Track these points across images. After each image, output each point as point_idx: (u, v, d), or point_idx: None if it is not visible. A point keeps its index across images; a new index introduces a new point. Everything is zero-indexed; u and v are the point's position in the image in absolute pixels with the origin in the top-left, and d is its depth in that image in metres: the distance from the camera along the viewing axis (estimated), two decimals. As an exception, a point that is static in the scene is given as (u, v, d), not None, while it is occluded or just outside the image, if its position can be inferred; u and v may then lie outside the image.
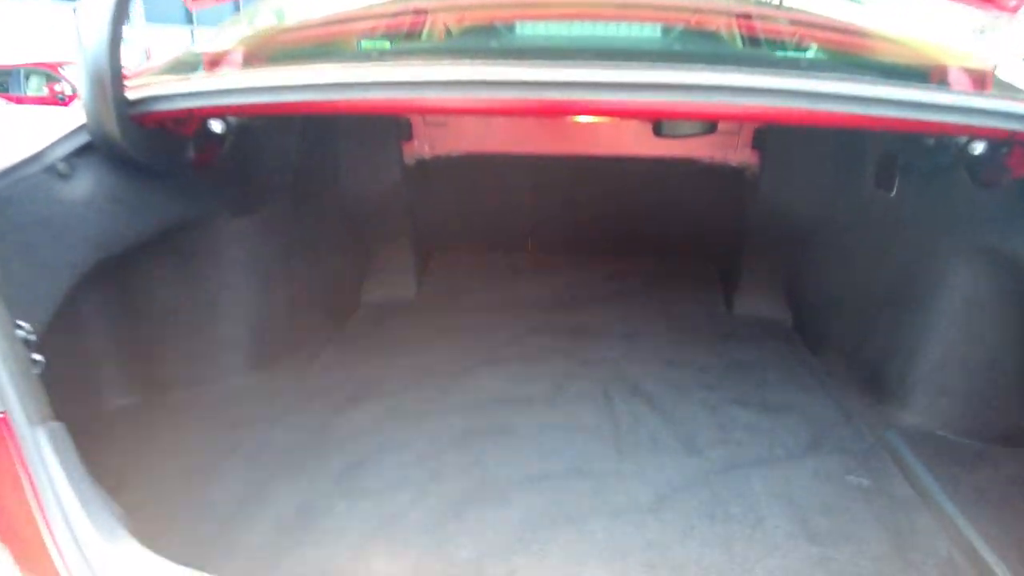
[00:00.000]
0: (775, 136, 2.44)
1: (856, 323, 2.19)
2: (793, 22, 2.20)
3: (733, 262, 2.84)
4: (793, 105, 1.22)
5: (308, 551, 1.41)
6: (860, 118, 1.24)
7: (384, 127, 2.55)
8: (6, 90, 10.48)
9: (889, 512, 1.56)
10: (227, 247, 1.95)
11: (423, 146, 2.64)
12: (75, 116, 1.43)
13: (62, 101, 10.34)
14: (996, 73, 1.63)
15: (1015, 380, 1.73)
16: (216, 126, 1.59)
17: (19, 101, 9.69)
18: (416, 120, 2.57)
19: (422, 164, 2.72)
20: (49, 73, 11.04)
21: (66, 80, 10.69)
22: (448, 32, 2.04)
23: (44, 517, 0.99)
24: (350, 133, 2.52)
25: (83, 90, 1.31)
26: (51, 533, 0.97)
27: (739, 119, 2.25)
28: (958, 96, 1.27)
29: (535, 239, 3.16)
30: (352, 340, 2.42)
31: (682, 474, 1.68)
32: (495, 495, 1.59)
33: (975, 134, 1.43)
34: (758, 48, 2.01)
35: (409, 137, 2.60)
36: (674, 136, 2.38)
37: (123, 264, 1.57)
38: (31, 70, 11.25)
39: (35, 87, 11.02)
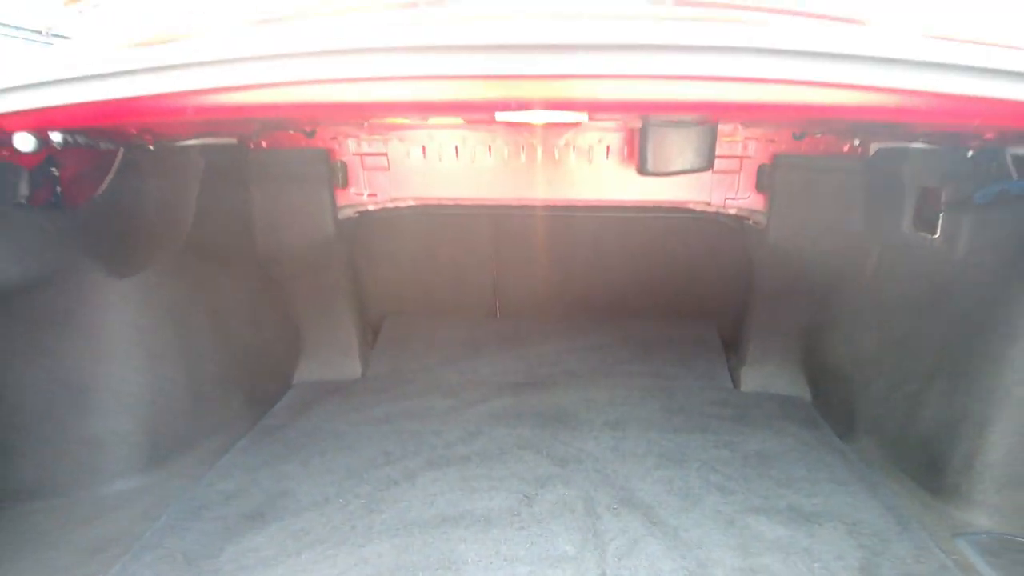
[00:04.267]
0: (785, 171, 2.13)
1: (898, 399, 1.84)
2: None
3: (738, 326, 2.52)
4: (841, 78, 0.82)
5: None
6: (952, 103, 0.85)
7: (313, 168, 2.19)
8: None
9: None
10: (102, 314, 1.65)
11: (361, 193, 2.24)
12: None
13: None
14: None
15: None
16: (23, 143, 1.16)
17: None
18: (352, 163, 2.20)
19: (363, 217, 2.35)
20: None
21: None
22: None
23: None
24: (267, 175, 2.18)
25: None
26: None
27: (753, 112, 1.83)
28: None
29: (501, 303, 2.82)
30: (270, 434, 1.98)
31: None
32: None
33: None
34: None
35: (344, 183, 2.19)
36: (662, 174, 1.99)
37: None
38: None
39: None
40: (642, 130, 1.85)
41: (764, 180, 2.14)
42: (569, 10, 1.12)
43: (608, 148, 2.13)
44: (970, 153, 1.62)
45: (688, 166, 1.88)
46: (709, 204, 2.20)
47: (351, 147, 2.17)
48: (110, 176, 1.56)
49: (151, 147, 1.70)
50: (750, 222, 2.25)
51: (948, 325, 1.71)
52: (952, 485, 1.60)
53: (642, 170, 1.92)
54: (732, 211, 2.24)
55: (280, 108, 1.05)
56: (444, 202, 2.28)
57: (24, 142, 1.17)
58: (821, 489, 1.70)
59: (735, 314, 2.53)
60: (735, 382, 2.40)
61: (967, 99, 0.85)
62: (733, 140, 2.11)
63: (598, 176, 2.18)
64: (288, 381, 2.34)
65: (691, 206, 2.23)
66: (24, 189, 1.29)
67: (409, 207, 2.30)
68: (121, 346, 1.69)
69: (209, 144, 1.89)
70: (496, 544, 1.44)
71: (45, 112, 1.03)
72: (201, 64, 0.87)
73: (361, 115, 1.96)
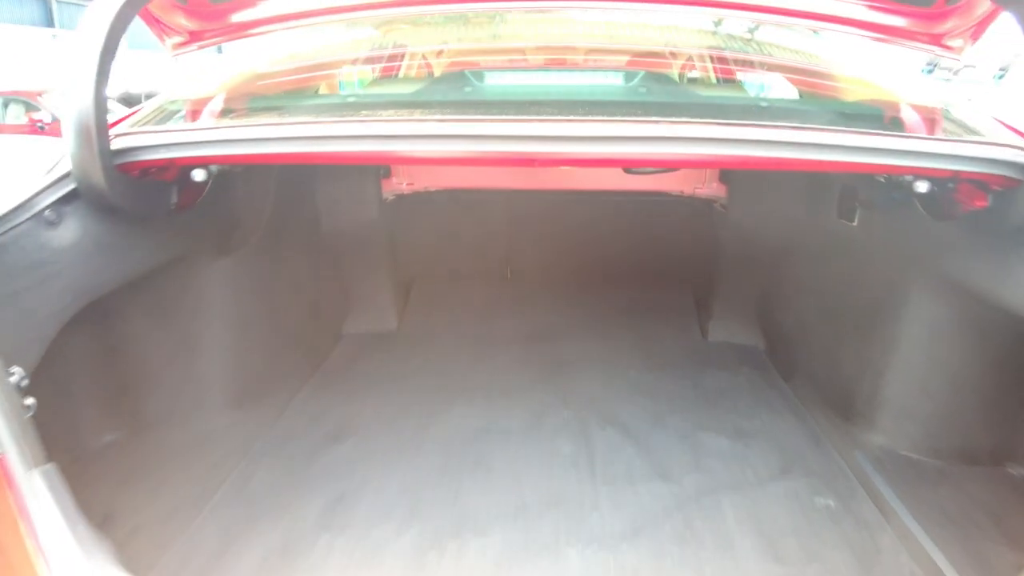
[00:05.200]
0: (741, 170, 2.53)
1: (825, 349, 2.26)
2: (753, 63, 2.30)
3: (707, 289, 2.92)
4: (746, 153, 1.30)
5: None
6: (811, 162, 1.33)
7: (363, 166, 2.59)
8: (-15, 119, 10.38)
9: (854, 532, 1.62)
10: (207, 287, 2.00)
11: (402, 183, 2.69)
12: (62, 160, 1.47)
13: (42, 130, 10.29)
14: (949, 112, 1.72)
15: (973, 402, 1.81)
16: (198, 175, 1.63)
17: (-4, 130, 9.56)
18: None
19: (400, 199, 2.77)
20: (28, 102, 10.98)
21: (46, 108, 10.65)
22: (426, 77, 2.11)
23: (43, 556, 1.01)
24: (328, 173, 2.57)
25: (69, 140, 1.35)
26: (50, 572, 1.01)
27: (699, 166, 2.34)
28: (901, 140, 1.36)
29: (513, 270, 3.21)
30: (331, 375, 2.44)
31: (656, 502, 1.73)
32: (473, 528, 1.62)
33: (919, 174, 1.51)
34: (719, 90, 2.10)
35: (388, 174, 2.65)
36: (643, 173, 2.46)
37: (106, 305, 1.60)
38: (9, 98, 11.14)
39: (14, 116, 10.92)
40: None
41: (726, 174, 2.55)
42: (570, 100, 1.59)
43: None
44: None
45: (665, 168, 2.35)
46: (682, 192, 2.65)
47: None
48: (209, 184, 1.85)
49: None
50: (716, 205, 2.68)
51: (862, 294, 2.08)
52: (859, 414, 2.00)
53: (626, 171, 2.40)
54: (702, 196, 2.69)
55: (376, 158, 1.47)
56: (467, 187, 2.72)
57: (199, 174, 1.62)
58: (760, 416, 2.15)
59: (705, 280, 2.92)
60: (703, 334, 2.81)
61: (820, 163, 1.32)
62: None
63: (592, 170, 2.58)
64: (338, 334, 2.74)
65: (668, 191, 2.71)
66: (175, 198, 1.66)
67: (438, 191, 2.75)
68: (220, 310, 2.03)
69: None
70: (515, 450, 1.94)
71: (219, 157, 1.47)
72: (341, 138, 1.32)
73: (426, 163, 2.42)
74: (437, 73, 2.14)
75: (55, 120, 10.53)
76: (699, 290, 3.05)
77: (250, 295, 2.15)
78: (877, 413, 1.96)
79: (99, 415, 1.81)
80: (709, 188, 2.64)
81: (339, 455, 1.93)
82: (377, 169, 2.60)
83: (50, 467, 1.09)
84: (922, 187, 1.54)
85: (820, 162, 1.30)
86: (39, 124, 10.52)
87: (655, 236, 3.04)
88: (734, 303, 2.81)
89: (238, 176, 1.99)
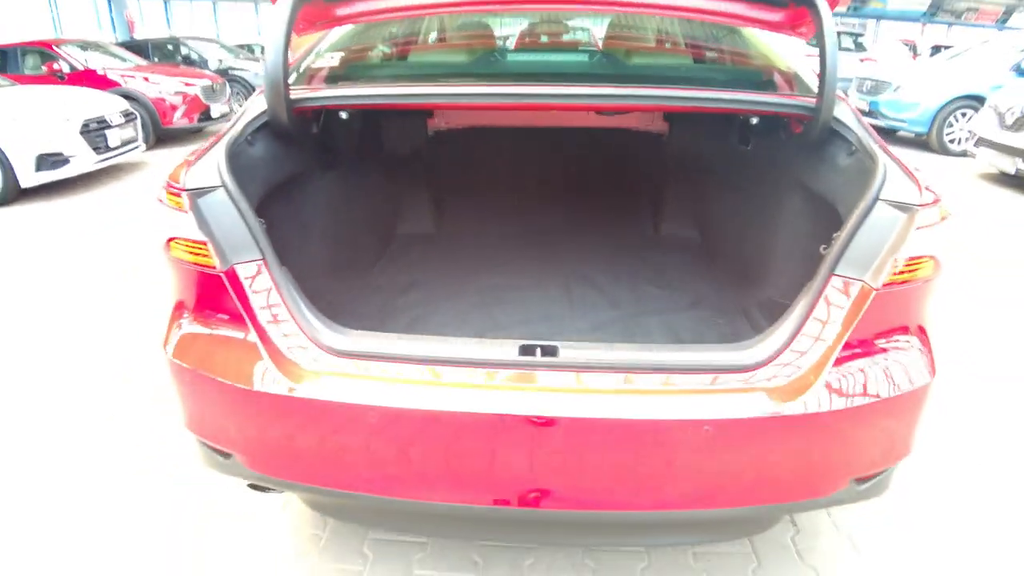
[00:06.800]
0: (677, 113, 3.50)
1: (736, 236, 2.97)
2: (667, 39, 3.29)
3: (658, 197, 3.71)
4: (646, 103, 2.26)
5: None
6: (690, 107, 2.27)
7: (417, 110, 3.28)
8: (3, 69, 10.71)
9: (729, 332, 2.57)
10: (316, 192, 2.64)
11: (441, 121, 3.64)
12: (248, 107, 2.43)
13: (61, 79, 10.82)
14: (797, 74, 2.67)
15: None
16: (343, 115, 2.60)
17: (18, 80, 10.02)
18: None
19: (439, 133, 3.72)
20: (43, 51, 11.44)
21: (63, 58, 11.12)
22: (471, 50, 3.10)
23: (296, 320, 1.71)
24: (393, 112, 3.45)
25: (266, 92, 2.20)
26: (302, 330, 1.71)
27: (630, 110, 3.35)
28: (742, 94, 2.26)
29: (519, 187, 4.15)
30: (393, 259, 3.40)
31: (608, 317, 2.76)
32: (500, 330, 2.65)
33: (755, 114, 2.49)
34: (647, 62, 3.09)
35: (432, 115, 3.60)
36: (610, 115, 3.47)
37: (263, 202, 2.12)
38: (27, 49, 11.58)
39: (32, 66, 11.38)
40: None
41: (667, 115, 3.50)
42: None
43: None
44: None
45: (617, 111, 3.36)
46: (638, 128, 3.64)
47: None
48: (323, 119, 2.47)
49: None
50: (662, 138, 3.65)
51: (757, 196, 2.68)
52: (752, 278, 2.65)
53: (599, 113, 3.40)
54: (653, 130, 3.67)
55: (440, 106, 2.37)
56: (487, 125, 3.64)
57: (344, 114, 2.57)
58: (686, 278, 3.08)
59: (657, 191, 3.72)
60: (656, 230, 3.63)
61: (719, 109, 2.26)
62: None
63: (576, 114, 3.51)
64: (393, 233, 3.52)
65: (630, 127, 3.70)
66: (316, 129, 2.53)
67: (465, 129, 3.68)
68: (324, 208, 2.64)
69: None
70: (523, 295, 2.93)
71: (349, 106, 2.36)
72: (422, 95, 2.21)
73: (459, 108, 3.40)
74: (480, 48, 3.13)
75: (74, 70, 11.07)
76: (653, 198, 3.81)
77: (341, 199, 2.81)
78: (763, 275, 2.61)
79: None
80: (656, 126, 3.62)
81: (412, 297, 2.91)
82: (425, 112, 3.54)
83: (285, 268, 1.98)
84: (754, 120, 2.55)
85: (695, 107, 2.26)
86: (58, 74, 11.02)
87: (621, 160, 3.97)
88: (678, 207, 3.72)
89: (337, 115, 2.86)
